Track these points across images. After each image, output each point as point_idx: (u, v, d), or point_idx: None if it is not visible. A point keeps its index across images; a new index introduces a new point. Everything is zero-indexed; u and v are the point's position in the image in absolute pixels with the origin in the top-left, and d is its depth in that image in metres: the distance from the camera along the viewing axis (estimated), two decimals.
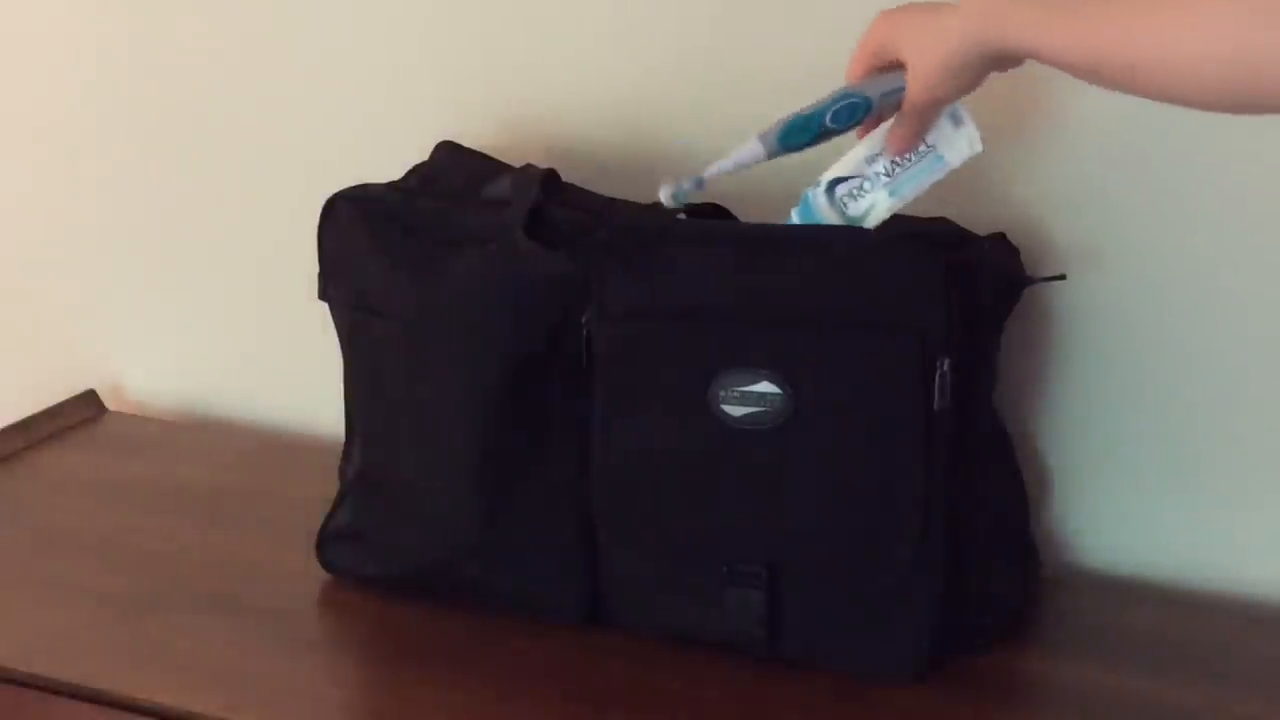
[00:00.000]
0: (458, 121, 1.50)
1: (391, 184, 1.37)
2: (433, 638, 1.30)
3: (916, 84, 1.11)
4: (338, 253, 1.34)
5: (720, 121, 1.43)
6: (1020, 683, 1.26)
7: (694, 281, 1.22)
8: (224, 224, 1.69)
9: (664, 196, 1.18)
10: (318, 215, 1.35)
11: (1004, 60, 1.07)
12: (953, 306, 1.17)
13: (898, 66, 1.12)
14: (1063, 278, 1.27)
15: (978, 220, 1.27)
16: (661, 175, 1.19)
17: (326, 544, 1.39)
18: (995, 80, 1.11)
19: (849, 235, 1.21)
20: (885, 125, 1.18)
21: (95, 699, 1.23)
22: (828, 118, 1.16)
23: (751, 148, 1.17)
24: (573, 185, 1.34)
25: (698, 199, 1.21)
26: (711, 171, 1.18)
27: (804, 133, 1.17)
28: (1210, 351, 1.34)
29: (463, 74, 1.54)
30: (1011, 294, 1.26)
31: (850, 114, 1.16)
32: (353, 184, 1.36)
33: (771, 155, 1.17)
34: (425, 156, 1.42)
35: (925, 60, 1.10)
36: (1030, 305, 1.32)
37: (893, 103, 1.15)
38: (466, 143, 1.42)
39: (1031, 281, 1.26)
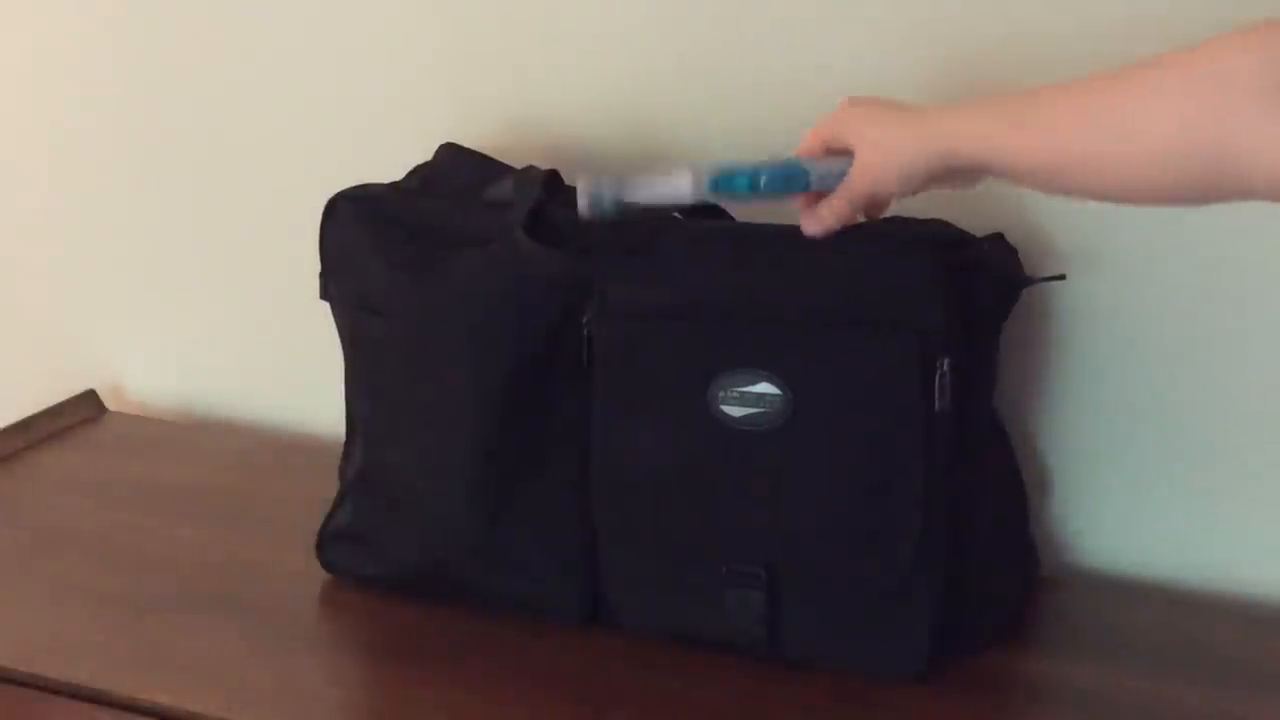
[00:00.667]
0: (459, 122, 1.50)
1: (393, 184, 1.37)
2: (433, 638, 1.30)
3: (863, 176, 1.10)
4: (339, 253, 1.34)
5: (721, 123, 1.44)
6: (1020, 683, 1.26)
7: (694, 282, 1.22)
8: (224, 224, 1.69)
9: (581, 204, 1.14)
10: (318, 216, 1.35)
11: (956, 171, 1.07)
12: (952, 307, 1.17)
13: (848, 153, 1.11)
14: (1062, 278, 1.27)
15: (978, 221, 1.27)
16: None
17: (326, 544, 1.39)
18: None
19: (850, 236, 1.21)
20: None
21: (95, 699, 1.23)
22: (762, 179, 1.13)
23: (679, 182, 1.13)
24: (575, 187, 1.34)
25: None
26: (633, 195, 1.14)
27: (735, 184, 1.14)
28: (1209, 351, 1.34)
29: (465, 75, 1.54)
30: (1011, 294, 1.26)
31: (785, 184, 1.13)
32: (354, 185, 1.36)
33: (698, 197, 1.14)
34: (427, 157, 1.42)
35: (874, 156, 1.09)
36: (1030, 306, 1.32)
37: (830, 186, 1.13)
38: (468, 144, 1.42)
39: (1031, 282, 1.26)
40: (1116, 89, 0.95)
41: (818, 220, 1.14)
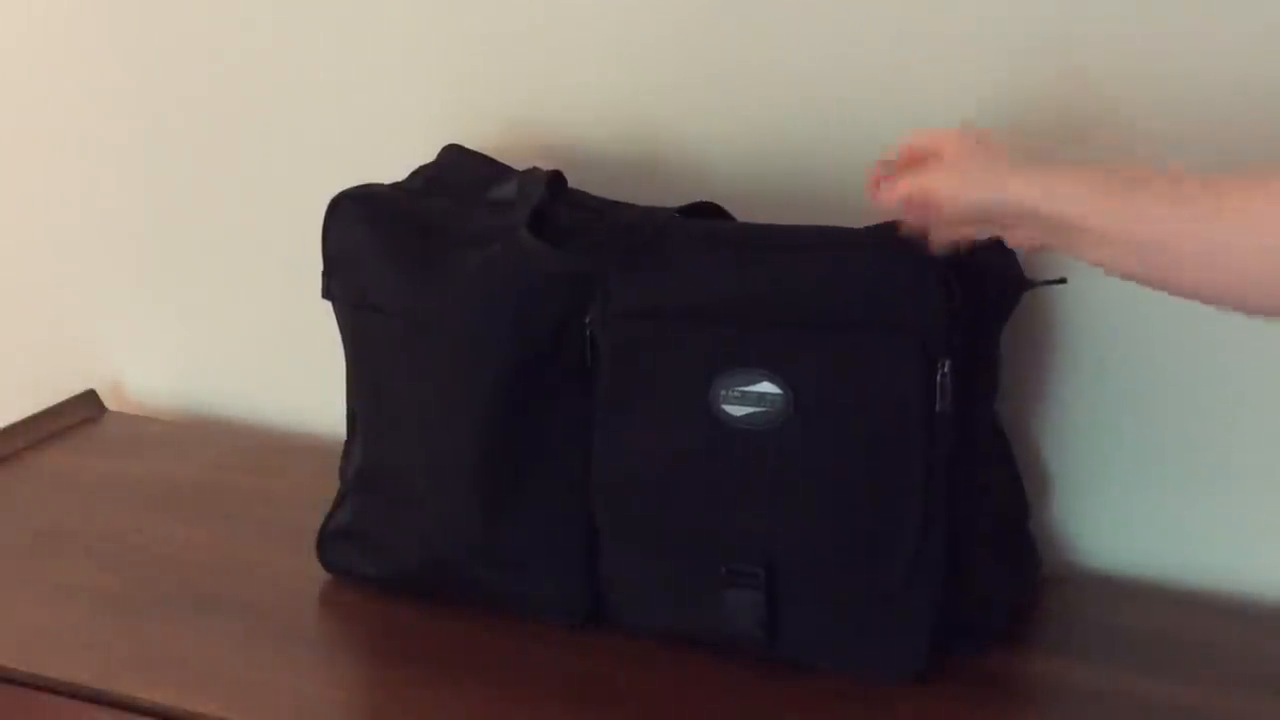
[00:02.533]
0: (461, 123, 1.50)
1: (396, 184, 1.38)
2: (433, 638, 1.30)
3: (927, 174, 1.08)
4: (342, 252, 1.34)
5: (720, 124, 1.44)
6: (1020, 683, 1.26)
7: (696, 282, 1.22)
8: (224, 224, 1.69)
9: None
10: (319, 216, 1.35)
11: (1020, 223, 1.03)
12: (954, 308, 1.17)
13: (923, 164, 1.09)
14: (1063, 281, 1.27)
15: None
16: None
17: (326, 544, 1.39)
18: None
19: (851, 237, 1.21)
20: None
21: (95, 699, 1.23)
22: None
23: None
24: (577, 190, 1.34)
25: None
26: None
27: None
28: (1209, 353, 1.34)
29: (467, 76, 1.54)
30: (1012, 297, 1.26)
31: None
32: (355, 185, 1.36)
33: None
34: (428, 158, 1.42)
35: (961, 163, 1.07)
36: (1030, 308, 1.32)
37: None
38: (469, 144, 1.42)
39: (1033, 285, 1.26)
40: (1236, 185, 0.92)
41: (880, 193, 1.13)
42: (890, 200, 1.12)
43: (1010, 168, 1.05)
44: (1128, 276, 1.00)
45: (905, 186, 1.11)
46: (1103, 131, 1.29)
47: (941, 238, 1.14)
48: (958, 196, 1.07)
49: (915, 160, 1.11)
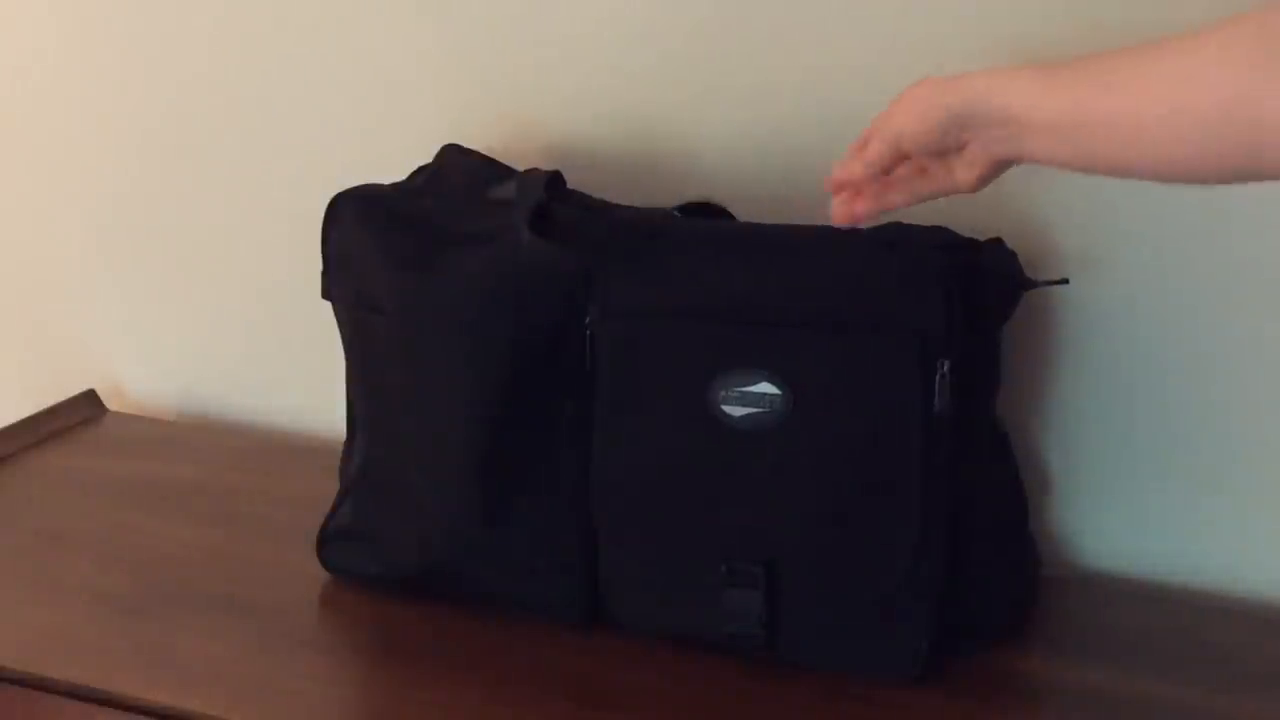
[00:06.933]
0: (461, 123, 1.50)
1: (396, 184, 1.38)
2: (433, 638, 1.30)
3: (885, 114, 1.10)
4: (342, 251, 1.34)
5: (722, 125, 1.44)
6: (1020, 683, 1.26)
7: (696, 281, 1.22)
8: (225, 224, 1.69)
9: None
10: (318, 216, 1.35)
11: (981, 125, 1.04)
12: (954, 308, 1.17)
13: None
14: (1065, 282, 1.27)
15: (980, 223, 1.27)
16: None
17: (326, 544, 1.39)
18: None
19: (850, 237, 1.21)
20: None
21: (95, 699, 1.23)
22: None
23: None
24: (577, 191, 1.34)
25: None
26: None
27: None
28: (1210, 353, 1.34)
29: (467, 76, 1.54)
30: (1012, 297, 1.26)
31: None
32: (354, 185, 1.36)
33: None
34: (427, 158, 1.42)
35: (902, 98, 1.09)
36: (1031, 308, 1.32)
37: None
38: (470, 145, 1.42)
39: (1034, 285, 1.26)
40: (1154, 53, 0.92)
41: (843, 169, 1.14)
42: (866, 161, 1.11)
43: (949, 79, 1.06)
44: (1073, 166, 1.00)
45: (870, 133, 1.10)
46: None
47: (907, 190, 1.14)
48: (917, 122, 1.07)
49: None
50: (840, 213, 1.16)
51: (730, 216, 1.33)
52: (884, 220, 1.21)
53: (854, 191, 1.16)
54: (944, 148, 1.09)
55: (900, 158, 1.12)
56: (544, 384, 1.26)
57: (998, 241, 1.28)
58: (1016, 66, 1.03)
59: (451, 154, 1.42)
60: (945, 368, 1.17)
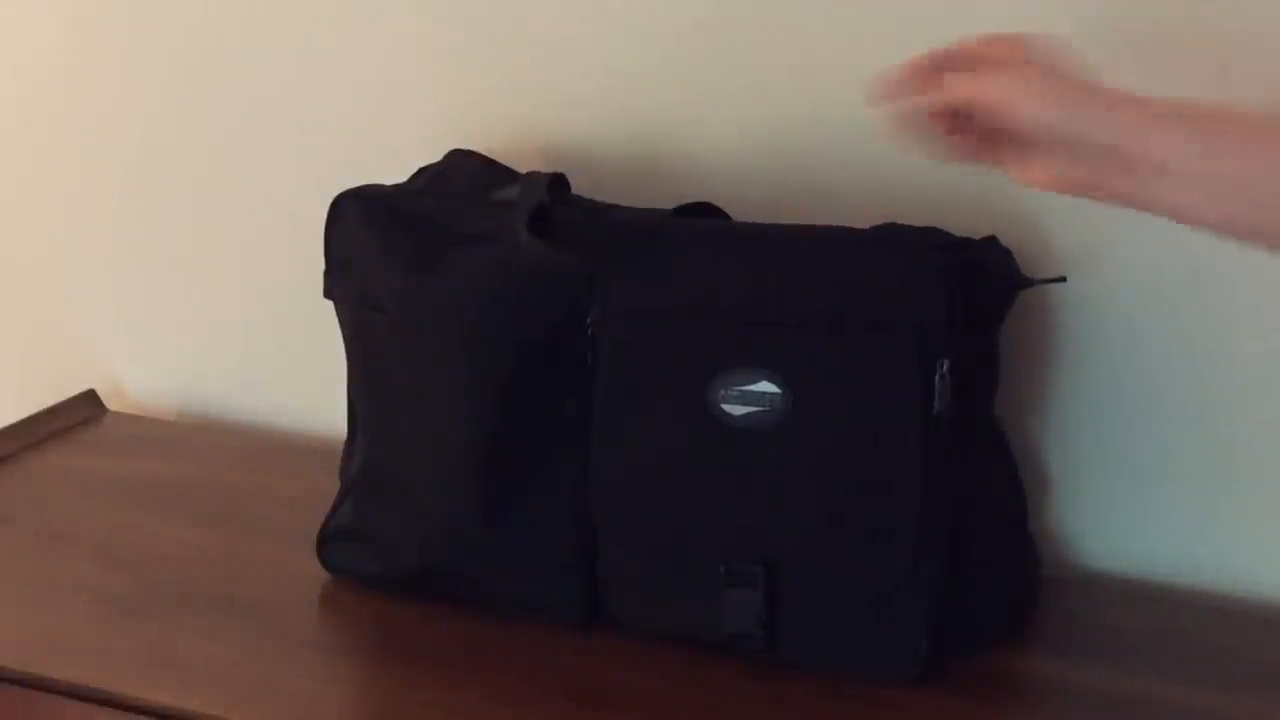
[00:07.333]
0: (461, 124, 1.51)
1: (398, 185, 1.38)
2: (433, 638, 1.30)
3: (996, 76, 0.96)
4: (343, 251, 1.34)
5: (721, 126, 1.44)
6: (1020, 683, 1.26)
7: (696, 281, 1.22)
8: (225, 224, 1.69)
9: None
10: (318, 216, 1.35)
11: (1088, 153, 0.93)
12: (953, 307, 1.17)
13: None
14: (1062, 280, 1.27)
15: (978, 222, 1.28)
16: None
17: (326, 544, 1.39)
18: None
19: (851, 237, 1.21)
20: None
21: (95, 699, 1.23)
22: None
23: None
24: (578, 196, 1.34)
25: None
26: None
27: None
28: (1209, 352, 1.34)
29: (467, 77, 1.54)
30: (1010, 295, 1.26)
31: None
32: (356, 185, 1.36)
33: None
34: (427, 158, 1.42)
35: (1039, 75, 0.96)
36: (1030, 307, 1.32)
37: None
38: (469, 145, 1.43)
39: (1031, 283, 1.26)
40: None
41: (905, 91, 1.02)
42: (938, 101, 1.01)
43: (1091, 93, 0.94)
44: (1218, 224, 0.91)
45: (968, 89, 0.98)
46: None
47: (972, 153, 1.02)
48: (1039, 111, 0.95)
49: (964, 65, 1.01)
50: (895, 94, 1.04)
51: (727, 217, 1.33)
52: (882, 222, 1.21)
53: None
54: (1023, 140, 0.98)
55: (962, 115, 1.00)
56: (545, 384, 1.26)
57: (992, 240, 1.28)
58: (1141, 101, 0.93)
59: (456, 157, 1.43)
60: (945, 367, 1.17)
